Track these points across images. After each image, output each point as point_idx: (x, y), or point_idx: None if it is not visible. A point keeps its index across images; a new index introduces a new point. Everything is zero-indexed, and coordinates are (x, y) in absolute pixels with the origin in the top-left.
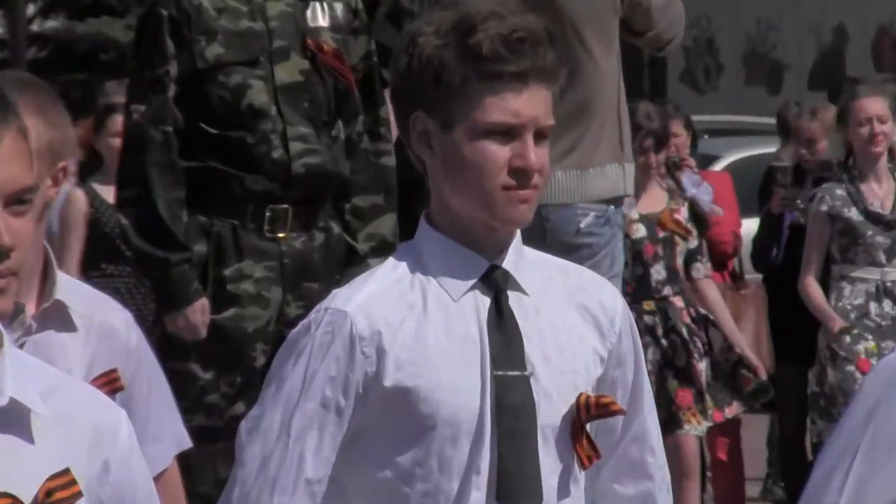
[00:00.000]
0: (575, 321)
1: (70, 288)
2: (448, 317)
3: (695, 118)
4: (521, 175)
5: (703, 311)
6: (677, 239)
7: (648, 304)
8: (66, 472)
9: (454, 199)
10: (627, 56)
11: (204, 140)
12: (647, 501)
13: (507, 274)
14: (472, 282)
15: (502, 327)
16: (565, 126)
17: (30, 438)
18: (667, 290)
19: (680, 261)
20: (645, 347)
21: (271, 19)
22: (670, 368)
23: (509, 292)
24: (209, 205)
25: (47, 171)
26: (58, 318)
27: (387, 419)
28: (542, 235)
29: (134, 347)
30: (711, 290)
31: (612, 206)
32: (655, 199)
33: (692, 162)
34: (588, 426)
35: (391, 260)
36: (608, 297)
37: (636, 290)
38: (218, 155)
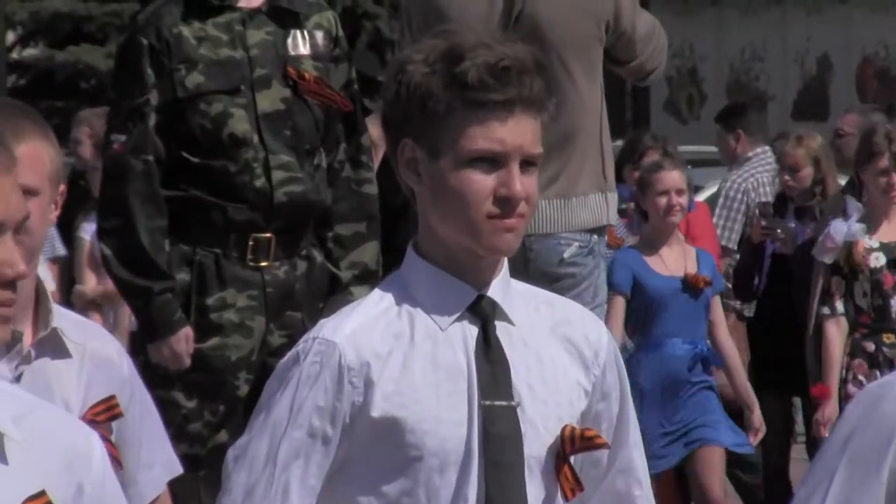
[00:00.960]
0: (559, 353)
1: (63, 315)
2: (436, 346)
3: (678, 148)
4: (505, 204)
5: None
6: None
7: (889, 337)
8: (43, 493)
9: (441, 228)
10: (610, 86)
11: (185, 169)
12: None
13: (494, 303)
14: (459, 311)
15: (490, 357)
16: (549, 155)
17: (4, 461)
18: None
19: None
20: None
21: (252, 48)
22: None
23: (496, 322)
24: (191, 234)
25: (54, 194)
26: (53, 345)
27: (374, 449)
28: (525, 265)
29: (127, 375)
30: None
31: (596, 236)
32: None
33: None
34: (573, 459)
35: (378, 290)
36: (593, 330)
37: (874, 321)
38: (200, 184)
